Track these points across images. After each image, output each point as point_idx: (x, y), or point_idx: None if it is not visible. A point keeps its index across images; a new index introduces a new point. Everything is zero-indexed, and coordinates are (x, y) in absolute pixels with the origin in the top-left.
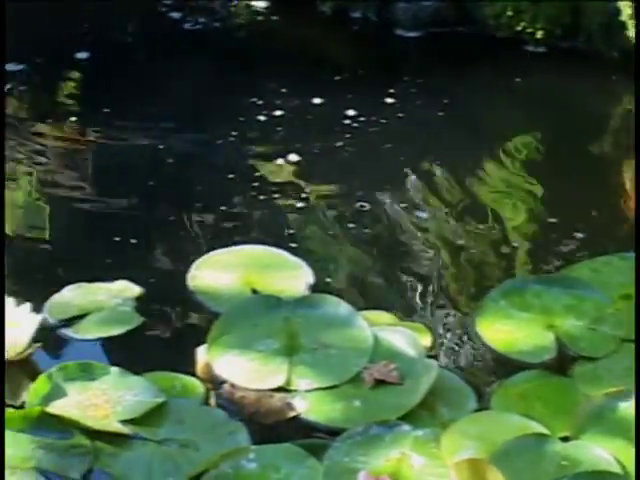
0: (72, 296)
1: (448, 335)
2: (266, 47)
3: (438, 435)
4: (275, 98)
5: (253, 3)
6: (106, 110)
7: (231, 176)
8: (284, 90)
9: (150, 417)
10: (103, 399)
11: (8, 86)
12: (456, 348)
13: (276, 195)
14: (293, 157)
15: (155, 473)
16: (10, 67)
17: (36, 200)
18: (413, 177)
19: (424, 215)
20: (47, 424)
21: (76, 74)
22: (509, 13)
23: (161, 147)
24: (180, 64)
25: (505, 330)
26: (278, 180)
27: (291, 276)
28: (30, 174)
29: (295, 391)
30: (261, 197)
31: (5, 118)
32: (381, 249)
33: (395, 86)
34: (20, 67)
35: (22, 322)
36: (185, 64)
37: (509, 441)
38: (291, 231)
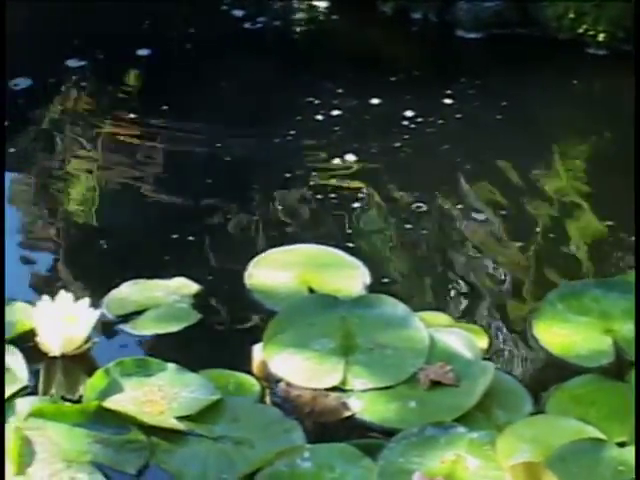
0: (130, 292)
1: (505, 337)
2: (325, 47)
3: (493, 438)
4: (333, 98)
5: (314, 2)
6: (165, 107)
7: (288, 175)
8: (342, 90)
9: (206, 414)
10: (159, 395)
11: (71, 81)
12: (512, 351)
13: (332, 195)
14: (350, 157)
15: (210, 470)
16: (72, 63)
17: (95, 197)
18: (470, 178)
19: (480, 217)
20: (104, 419)
21: (137, 71)
22: (571, 15)
23: (219, 145)
24: (240, 62)
25: (562, 333)
26: (335, 180)
27: (348, 276)
28: (89, 170)
29: (350, 391)
30: (318, 196)
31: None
32: (438, 250)
33: (453, 87)
34: (82, 63)
35: (80, 317)
36: (245, 62)
37: (565, 445)
38: (348, 231)
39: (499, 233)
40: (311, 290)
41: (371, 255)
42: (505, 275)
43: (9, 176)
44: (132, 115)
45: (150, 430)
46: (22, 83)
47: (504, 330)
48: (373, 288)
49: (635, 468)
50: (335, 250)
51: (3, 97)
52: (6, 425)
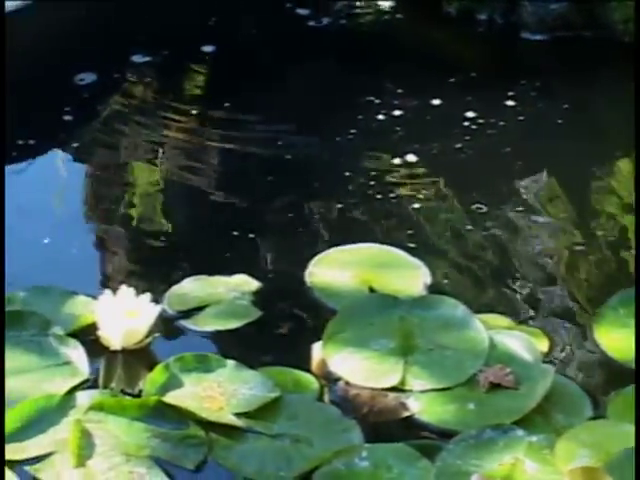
0: (191, 288)
1: (565, 341)
2: (388, 46)
3: (553, 441)
4: (394, 98)
5: (379, 2)
6: (228, 104)
7: (348, 174)
8: (404, 90)
9: (264, 411)
10: (218, 391)
11: (135, 76)
12: (573, 354)
13: (392, 195)
14: (411, 157)
15: (268, 467)
16: (137, 58)
17: (157, 192)
18: (531, 181)
19: (541, 219)
20: (163, 414)
21: (201, 67)
22: None
23: (280, 143)
24: (302, 61)
25: (623, 338)
26: (395, 180)
27: (408, 276)
28: (151, 166)
29: (409, 391)
30: (378, 196)
31: None
32: (498, 252)
33: (516, 89)
34: (146, 59)
35: (141, 312)
36: (307, 61)
37: (625, 451)
38: (408, 231)
39: (560, 236)
40: (371, 290)
41: (432, 255)
42: (566, 278)
43: (73, 169)
44: (195, 111)
45: (209, 426)
46: (87, 78)
47: (565, 334)
48: (434, 289)
49: (635, 468)
50: (396, 250)
51: (3, 97)
52: (67, 418)
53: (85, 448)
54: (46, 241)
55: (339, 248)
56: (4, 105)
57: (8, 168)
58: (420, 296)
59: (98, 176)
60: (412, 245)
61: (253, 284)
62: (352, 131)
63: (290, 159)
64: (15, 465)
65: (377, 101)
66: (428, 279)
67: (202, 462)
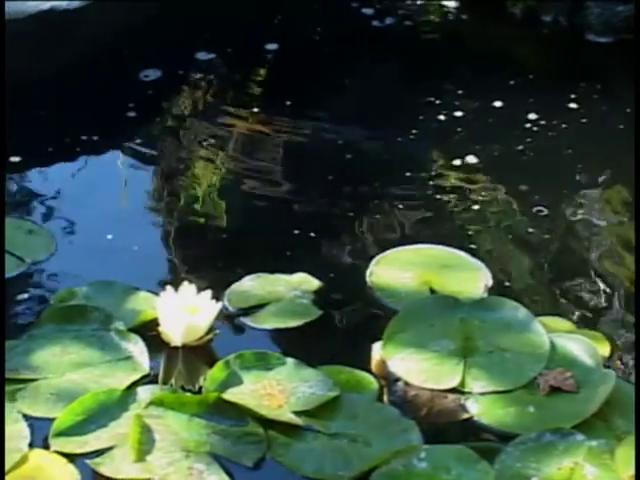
0: (252, 286)
1: (627, 346)
2: (451, 47)
3: (613, 447)
4: (456, 99)
5: (444, 2)
6: (289, 102)
7: (409, 174)
8: (466, 91)
9: (323, 410)
10: (278, 389)
11: (199, 74)
12: (634, 359)
13: (452, 195)
14: (471, 159)
15: (326, 466)
16: (201, 56)
17: (219, 190)
18: (593, 184)
19: (603, 223)
20: (222, 410)
21: (264, 65)
22: None
23: (340, 142)
24: (366, 60)
25: None
26: (455, 181)
27: (469, 277)
28: (214, 163)
29: (469, 393)
30: (438, 197)
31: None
32: (559, 255)
33: (579, 91)
34: (210, 56)
35: (202, 309)
36: (371, 60)
37: None
38: (469, 232)
39: (622, 240)
40: (432, 290)
41: (493, 257)
42: (628, 283)
43: (137, 166)
44: (257, 109)
45: (267, 424)
46: (152, 75)
47: (626, 338)
48: (494, 291)
49: (635, 468)
50: (457, 251)
51: (3, 97)
52: (127, 412)
53: (145, 443)
54: (109, 237)
55: (400, 248)
56: (4, 105)
57: (72, 164)
58: (481, 298)
59: (161, 173)
60: (473, 246)
61: (314, 283)
62: (413, 131)
63: (351, 159)
64: (76, 459)
65: (439, 102)
66: (489, 281)
67: (261, 459)
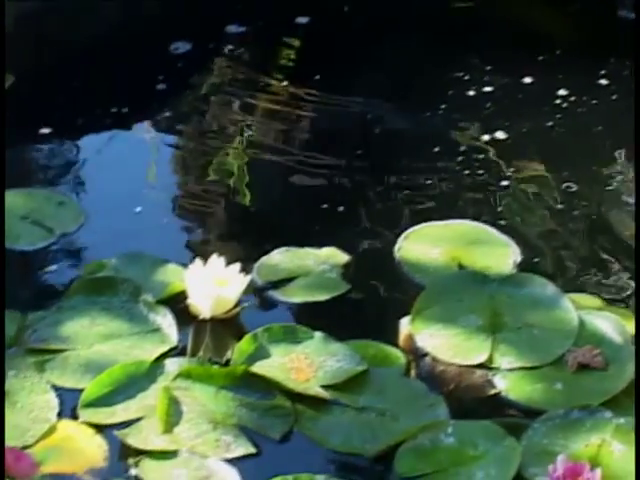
0: (280, 259)
1: None
2: (481, 22)
3: None
4: (485, 74)
5: None
6: (319, 77)
7: (437, 149)
8: (496, 67)
9: (351, 384)
10: (306, 363)
11: (229, 47)
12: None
13: (480, 171)
14: (500, 134)
15: (353, 440)
16: (232, 29)
17: (247, 163)
18: (623, 161)
19: (632, 200)
20: (250, 383)
21: (294, 38)
22: None
23: (369, 117)
24: (395, 35)
25: None
26: (483, 156)
27: (498, 253)
28: (242, 136)
29: (496, 369)
30: (466, 172)
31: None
32: (588, 231)
33: (610, 67)
34: (241, 29)
35: (231, 281)
36: (400, 35)
37: None
38: (498, 208)
39: None
40: (460, 266)
41: (521, 234)
42: None
43: (166, 139)
44: (286, 82)
45: (295, 397)
46: (181, 47)
47: None
48: (523, 267)
49: (635, 468)
50: (486, 227)
51: (3, 97)
52: (155, 384)
53: (172, 415)
54: (138, 209)
55: (429, 224)
56: (4, 105)
57: (102, 136)
58: (510, 274)
59: (190, 146)
60: (502, 222)
61: (342, 257)
62: (442, 106)
63: (379, 133)
64: (104, 429)
65: (467, 77)
66: (518, 257)
67: (288, 433)
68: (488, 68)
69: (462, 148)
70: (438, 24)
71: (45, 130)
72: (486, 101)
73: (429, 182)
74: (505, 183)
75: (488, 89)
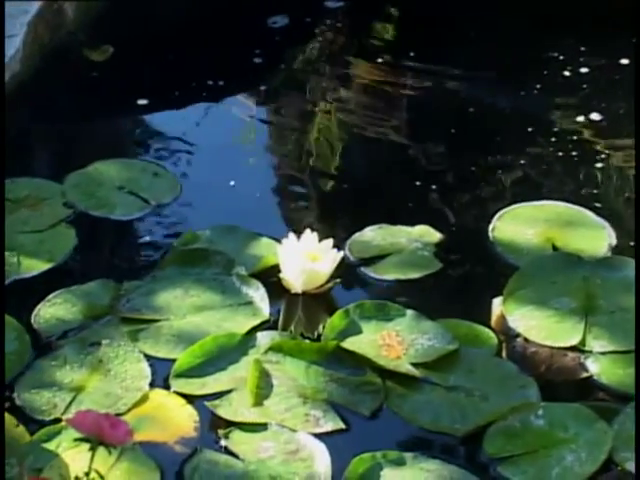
0: (373, 236)
1: None
2: (580, 4)
3: None
4: (582, 55)
5: None
6: (414, 54)
7: (530, 129)
8: (593, 48)
9: (441, 363)
10: (397, 340)
11: (327, 21)
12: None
13: (576, 152)
14: (595, 116)
15: (442, 418)
16: (330, 4)
17: (342, 139)
18: None
19: None
20: (341, 359)
21: (394, 13)
22: None
23: (463, 96)
24: (490, 13)
25: None
26: (577, 137)
27: (593, 236)
28: (338, 112)
29: (589, 352)
30: (560, 153)
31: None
32: None
33: None
34: (339, 4)
35: (324, 257)
36: (495, 13)
37: None
38: (593, 190)
39: None
40: (555, 248)
41: (617, 216)
42: None
43: (261, 113)
44: (381, 60)
45: (385, 374)
46: (280, 21)
47: None
48: (619, 251)
49: (635, 467)
50: (581, 209)
51: (3, 96)
52: (246, 357)
53: (263, 388)
54: (232, 183)
55: (524, 204)
56: (4, 105)
57: (198, 108)
58: (604, 257)
59: (285, 120)
60: (597, 205)
61: (435, 235)
62: (537, 86)
63: (473, 112)
64: (195, 400)
65: (562, 57)
66: (613, 240)
67: (378, 409)
68: (583, 49)
69: (556, 129)
70: (535, 5)
71: (142, 101)
72: (582, 82)
73: (523, 162)
74: (600, 165)
75: (584, 70)
